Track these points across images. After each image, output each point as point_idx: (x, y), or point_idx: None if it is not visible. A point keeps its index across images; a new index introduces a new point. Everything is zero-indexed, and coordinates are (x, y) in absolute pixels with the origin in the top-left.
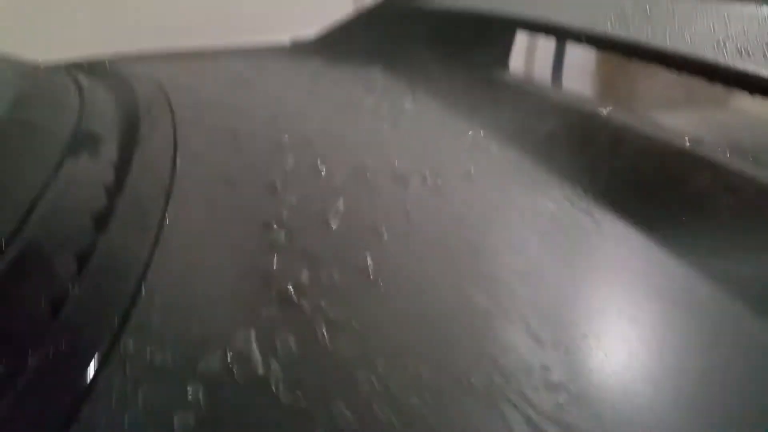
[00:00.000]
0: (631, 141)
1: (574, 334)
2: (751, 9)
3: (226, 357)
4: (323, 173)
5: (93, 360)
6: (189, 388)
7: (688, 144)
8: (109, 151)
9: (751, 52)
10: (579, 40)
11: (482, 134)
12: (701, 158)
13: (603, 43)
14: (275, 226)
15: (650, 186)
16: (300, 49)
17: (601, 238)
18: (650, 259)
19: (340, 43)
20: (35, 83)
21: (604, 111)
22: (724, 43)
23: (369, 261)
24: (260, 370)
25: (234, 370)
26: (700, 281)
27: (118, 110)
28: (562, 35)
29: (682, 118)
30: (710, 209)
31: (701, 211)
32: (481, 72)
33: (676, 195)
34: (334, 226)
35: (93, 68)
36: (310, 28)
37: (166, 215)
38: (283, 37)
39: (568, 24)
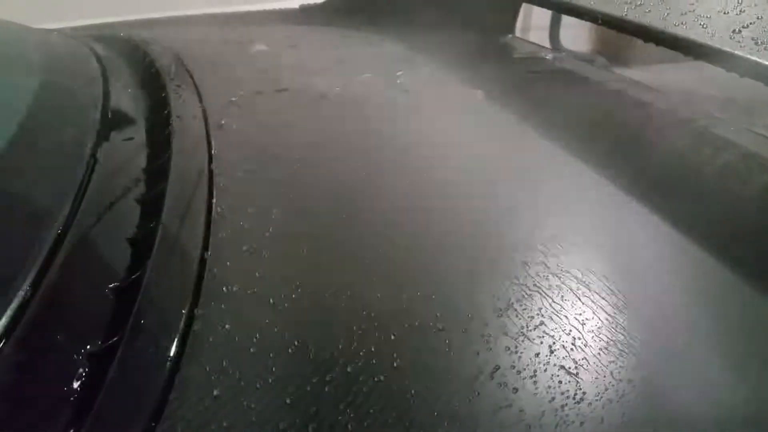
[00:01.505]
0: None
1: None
2: None
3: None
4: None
5: (175, 337)
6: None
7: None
8: (140, 129)
9: None
10: (589, 19)
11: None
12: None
13: (610, 24)
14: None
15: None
16: (308, 13)
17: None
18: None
19: (348, 8)
20: (55, 54)
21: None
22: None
23: None
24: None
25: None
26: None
27: (141, 84)
28: (569, 12)
29: (680, 72)
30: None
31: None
32: (489, 36)
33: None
34: None
35: (107, 38)
36: None
37: (213, 194)
38: (293, 4)
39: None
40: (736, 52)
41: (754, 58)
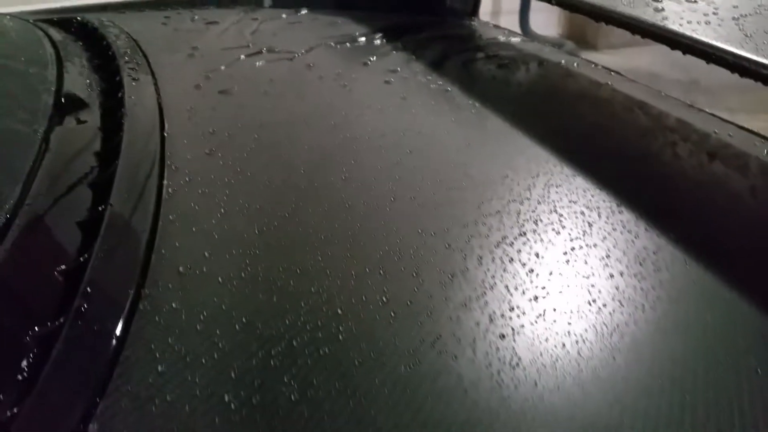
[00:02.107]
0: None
1: None
2: None
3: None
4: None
5: (120, 316)
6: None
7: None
8: (94, 111)
9: None
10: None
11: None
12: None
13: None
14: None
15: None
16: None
17: None
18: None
19: None
20: (7, 37)
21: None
22: None
23: None
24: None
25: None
26: None
27: (96, 67)
28: None
29: (646, 56)
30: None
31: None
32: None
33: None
34: None
35: (63, 21)
36: None
37: (165, 176)
38: None
39: None
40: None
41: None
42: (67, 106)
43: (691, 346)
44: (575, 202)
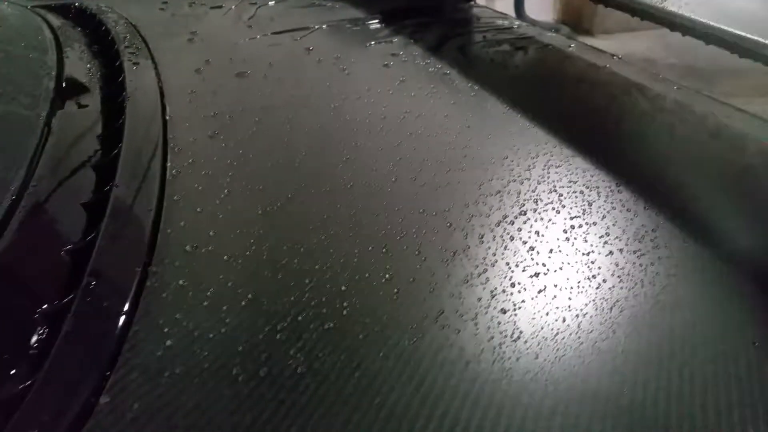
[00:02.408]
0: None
1: None
2: None
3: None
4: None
5: (129, 294)
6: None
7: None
8: (96, 95)
9: None
10: None
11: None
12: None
13: None
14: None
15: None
16: None
17: None
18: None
19: None
20: (7, 24)
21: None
22: None
23: None
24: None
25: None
26: None
27: (96, 52)
28: None
29: (641, 41)
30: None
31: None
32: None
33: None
34: None
35: (62, 7)
36: None
37: (168, 158)
38: None
39: None
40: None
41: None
42: (68, 90)
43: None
44: (575, 182)
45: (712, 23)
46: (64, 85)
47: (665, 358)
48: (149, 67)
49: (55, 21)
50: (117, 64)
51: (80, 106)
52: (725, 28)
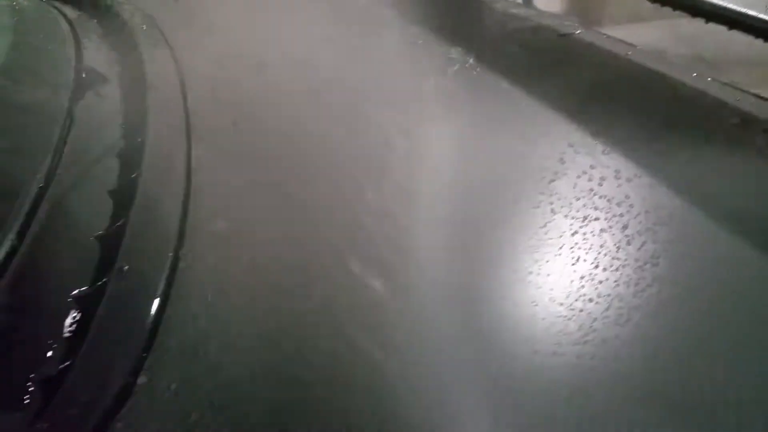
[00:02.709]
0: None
1: None
2: None
3: None
4: None
5: (161, 276)
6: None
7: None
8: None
9: None
10: None
11: None
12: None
13: None
14: None
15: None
16: None
17: None
18: None
19: None
20: (25, 17)
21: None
22: None
23: None
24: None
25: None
26: None
27: (114, 44)
28: None
29: (650, 31)
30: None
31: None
32: None
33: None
34: None
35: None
36: None
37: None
38: None
39: None
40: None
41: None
42: (87, 81)
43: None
44: (594, 167)
45: (738, 8)
46: (84, 75)
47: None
48: (167, 57)
49: (71, 13)
50: (136, 54)
51: (102, 96)
52: (752, 13)
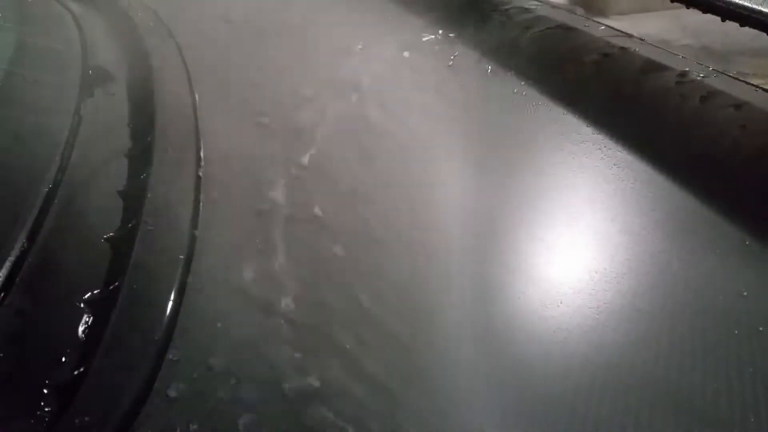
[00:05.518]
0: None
1: None
2: None
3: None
4: None
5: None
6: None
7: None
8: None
9: None
10: None
11: None
12: None
13: None
14: None
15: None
16: None
17: None
18: None
19: None
20: (30, 14)
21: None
22: None
23: None
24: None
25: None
26: None
27: (120, 40)
28: None
29: (655, 22)
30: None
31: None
32: None
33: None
34: None
35: None
36: None
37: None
38: None
39: None
40: None
41: None
42: (95, 79)
43: None
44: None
45: (753, 5)
46: (90, 73)
47: None
48: (176, 52)
49: (77, 9)
50: (142, 51)
51: (109, 94)
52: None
